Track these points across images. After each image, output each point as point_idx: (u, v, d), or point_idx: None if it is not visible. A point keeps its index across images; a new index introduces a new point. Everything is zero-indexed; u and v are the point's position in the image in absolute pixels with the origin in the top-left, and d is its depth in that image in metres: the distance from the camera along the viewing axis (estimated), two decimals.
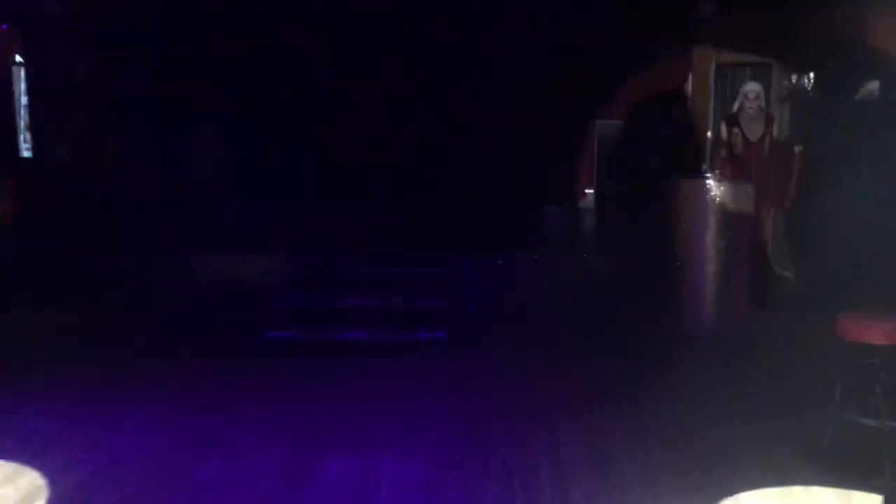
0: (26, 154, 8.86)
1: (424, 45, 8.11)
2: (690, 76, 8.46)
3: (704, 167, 8.02)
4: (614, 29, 7.84)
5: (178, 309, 6.79)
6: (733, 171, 7.41)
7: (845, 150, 6.92)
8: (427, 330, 6.18)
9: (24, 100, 9.04)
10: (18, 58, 8.66)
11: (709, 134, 8.51)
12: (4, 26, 8.34)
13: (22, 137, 9.06)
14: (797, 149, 7.62)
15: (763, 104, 7.65)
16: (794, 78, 8.38)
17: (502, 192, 7.64)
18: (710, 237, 6.49)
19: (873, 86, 7.52)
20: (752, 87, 7.69)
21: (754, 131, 7.56)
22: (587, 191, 8.02)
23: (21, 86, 8.94)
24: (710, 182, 6.58)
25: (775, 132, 7.78)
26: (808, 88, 8.28)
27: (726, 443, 4.57)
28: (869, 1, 7.50)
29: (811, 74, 8.14)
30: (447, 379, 5.68)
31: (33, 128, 8.55)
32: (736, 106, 7.64)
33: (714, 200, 6.50)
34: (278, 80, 8.07)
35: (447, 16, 7.97)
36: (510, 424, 4.79)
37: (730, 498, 3.87)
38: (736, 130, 7.56)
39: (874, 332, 4.05)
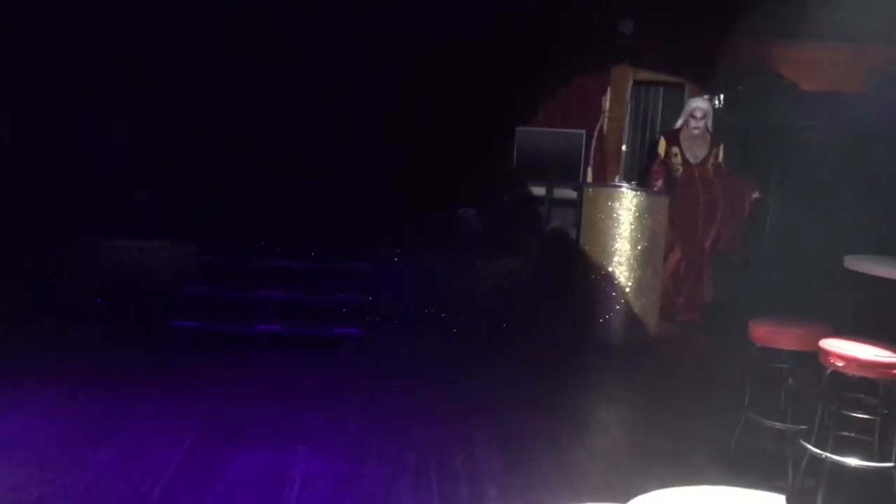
0: None
1: (348, 41, 8.05)
2: (608, 90, 8.64)
3: (618, 177, 8.17)
4: (538, 40, 7.96)
5: (80, 295, 6.45)
6: (664, 187, 7.17)
7: (757, 171, 7.23)
8: (342, 325, 6.07)
9: None
10: None
11: (623, 147, 8.70)
12: None
13: None
14: (754, 195, 7.16)
15: (710, 125, 7.28)
16: (705, 98, 8.65)
17: (421, 192, 7.61)
18: (624, 245, 6.63)
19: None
20: (699, 105, 7.31)
21: (696, 152, 7.25)
22: (504, 195, 8.06)
23: None
24: (625, 191, 6.71)
25: (720, 157, 7.33)
26: (718, 109, 8.57)
27: (639, 443, 4.66)
28: (773, 32, 7.89)
29: (721, 96, 8.44)
30: (362, 375, 5.59)
31: None
32: (680, 122, 7.36)
33: (629, 211, 6.65)
34: (193, 66, 7.85)
35: (372, 14, 7.93)
36: (425, 420, 4.74)
37: (641, 496, 3.92)
38: (675, 149, 7.26)
39: (784, 338, 4.19)
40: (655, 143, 7.74)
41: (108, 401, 4.72)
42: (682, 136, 7.26)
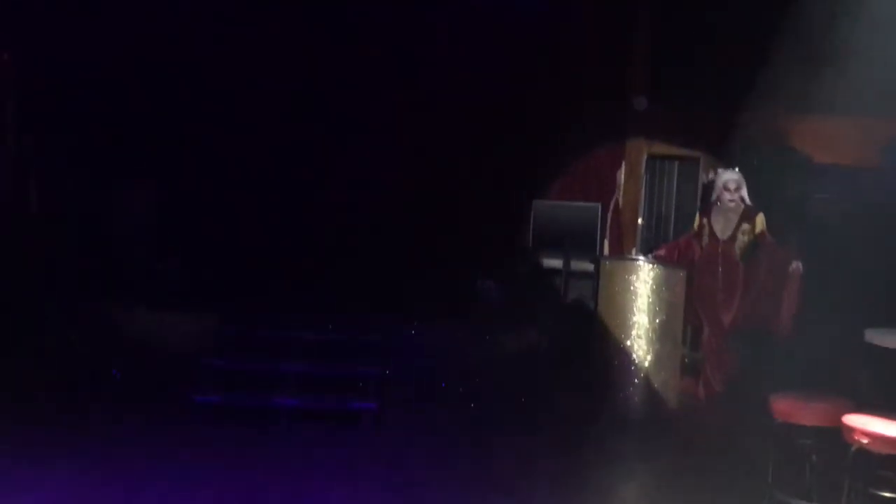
0: None
1: (367, 115, 8.22)
2: (623, 164, 8.75)
3: (634, 250, 8.18)
4: (554, 115, 8.10)
5: (103, 367, 6.49)
6: (667, 256, 7.00)
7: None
8: (359, 399, 6.06)
9: None
10: None
11: (639, 220, 8.75)
12: None
13: None
14: (794, 265, 6.65)
15: (746, 196, 6.93)
16: (719, 170, 8.71)
17: (440, 263, 7.66)
18: (642, 318, 6.63)
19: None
20: (731, 177, 7.00)
21: (724, 226, 6.92)
22: (522, 268, 8.10)
23: None
24: (642, 264, 6.74)
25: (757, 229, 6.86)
26: None
27: None
28: (787, 105, 8.01)
29: (736, 170, 8.51)
30: (379, 450, 5.56)
31: None
32: (714, 196, 7.08)
33: (646, 284, 6.67)
34: (215, 136, 8.01)
35: (393, 88, 8.13)
36: (446, 497, 4.69)
37: None
38: (705, 222, 7.00)
39: (806, 414, 4.16)
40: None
41: (124, 477, 4.72)
42: (713, 210, 7.06)
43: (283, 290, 7.26)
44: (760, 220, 6.80)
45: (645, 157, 8.83)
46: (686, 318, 7.01)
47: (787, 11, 7.54)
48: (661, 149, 8.84)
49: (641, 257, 6.93)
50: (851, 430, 3.80)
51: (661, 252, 7.00)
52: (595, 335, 6.87)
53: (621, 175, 8.77)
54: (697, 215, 7.22)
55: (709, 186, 7.92)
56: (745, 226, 6.78)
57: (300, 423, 5.87)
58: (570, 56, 8.21)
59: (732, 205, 6.84)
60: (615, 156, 8.72)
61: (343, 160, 8.12)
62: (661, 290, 6.66)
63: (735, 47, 8.02)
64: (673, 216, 8.99)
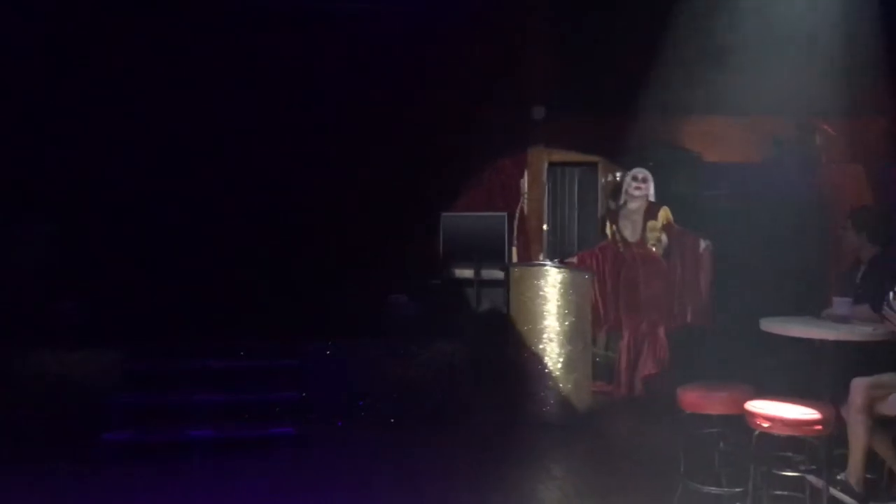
0: None
1: (267, 136, 8.13)
2: (526, 173, 8.92)
3: (542, 255, 8.36)
4: (456, 128, 8.20)
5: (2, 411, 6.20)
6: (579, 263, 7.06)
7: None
8: (276, 424, 5.98)
9: None
10: None
11: (545, 226, 8.95)
12: None
13: None
14: (704, 244, 6.81)
15: (651, 194, 7.05)
16: (617, 175, 8.97)
17: (350, 281, 7.64)
18: (553, 321, 6.77)
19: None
20: (638, 170, 7.17)
21: (631, 230, 7.02)
22: (433, 280, 8.16)
23: None
24: (550, 269, 6.88)
25: (661, 222, 6.99)
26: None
27: None
28: (676, 108, 8.34)
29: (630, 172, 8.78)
30: (302, 473, 5.49)
31: None
32: (622, 198, 7.20)
33: (554, 287, 6.81)
34: (106, 167, 7.80)
35: (292, 102, 8.07)
36: None
37: None
38: (614, 227, 7.14)
39: (711, 403, 4.33)
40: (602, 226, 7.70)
41: None
42: (620, 215, 7.19)
43: (189, 318, 7.08)
44: (664, 213, 6.99)
45: (546, 164, 9.04)
46: (601, 321, 7.22)
47: (673, 15, 7.86)
48: (560, 156, 9.07)
49: (549, 262, 7.08)
50: (754, 415, 3.99)
51: (574, 260, 7.15)
52: (509, 341, 7.00)
53: (525, 183, 8.94)
54: (607, 223, 7.36)
55: (615, 189, 8.17)
56: (651, 222, 6.97)
57: (218, 453, 5.73)
58: (468, 69, 8.32)
59: (638, 193, 6.97)
60: (518, 165, 8.89)
61: (246, 180, 7.99)
62: (569, 293, 6.82)
63: (625, 53, 8.29)
64: (576, 220, 9.24)
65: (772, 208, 7.08)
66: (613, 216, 7.29)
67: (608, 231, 7.46)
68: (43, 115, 7.77)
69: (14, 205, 7.62)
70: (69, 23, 7.85)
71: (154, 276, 7.53)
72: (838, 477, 4.06)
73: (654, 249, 6.97)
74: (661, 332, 6.90)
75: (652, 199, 7.03)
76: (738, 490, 4.21)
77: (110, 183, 7.75)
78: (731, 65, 7.86)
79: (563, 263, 6.97)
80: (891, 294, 3.86)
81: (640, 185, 7.02)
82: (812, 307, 5.62)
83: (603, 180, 9.17)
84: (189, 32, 7.99)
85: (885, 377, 4.05)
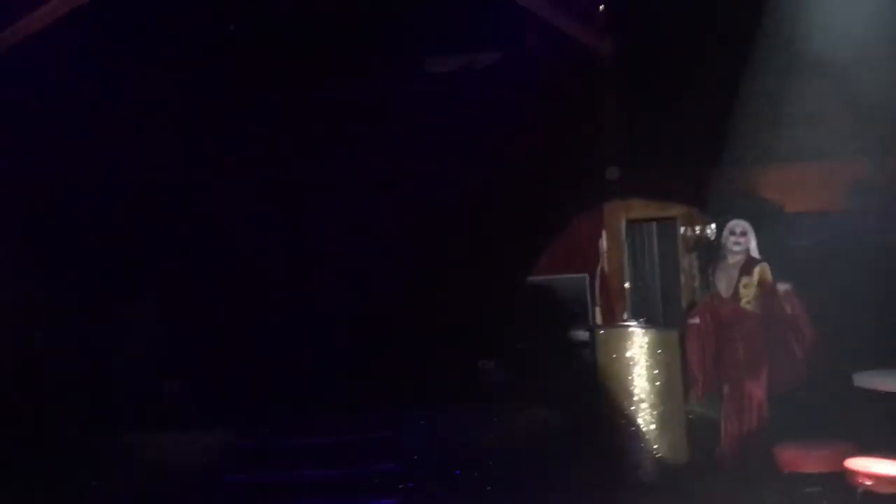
0: None
1: (353, 209, 8.46)
2: (604, 233, 9.01)
3: (626, 314, 8.36)
4: (537, 194, 8.37)
5: (120, 495, 6.54)
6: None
7: None
8: (378, 497, 6.14)
9: None
10: None
11: (626, 285, 8.99)
12: None
13: None
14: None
15: (753, 248, 6.57)
16: (697, 229, 8.97)
17: (439, 350, 7.83)
18: (642, 382, 6.79)
19: None
20: (736, 222, 6.70)
21: (726, 284, 6.57)
22: (519, 345, 8.28)
23: None
24: (636, 330, 6.93)
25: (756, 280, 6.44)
26: (711, 238, 8.86)
27: None
28: (754, 158, 8.34)
29: (713, 226, 8.77)
30: None
31: None
32: (721, 251, 6.76)
33: (642, 348, 6.85)
34: (206, 254, 8.23)
35: (380, 176, 8.37)
36: None
37: None
38: (711, 279, 6.75)
39: (811, 462, 4.32)
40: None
41: None
42: (718, 268, 6.74)
43: (290, 396, 7.37)
44: (760, 269, 6.51)
45: (624, 222, 9.11)
46: (700, 381, 6.78)
47: (742, 66, 7.93)
48: (638, 213, 9.14)
49: (634, 322, 7.12)
50: (856, 473, 3.97)
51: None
52: (600, 405, 7.02)
53: (603, 243, 9.03)
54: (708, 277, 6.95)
55: (711, 242, 8.05)
56: (745, 279, 6.49)
57: None
58: (545, 137, 8.51)
59: (738, 248, 6.53)
60: (595, 225, 8.99)
61: (334, 256, 8.31)
62: (657, 352, 6.83)
63: (698, 107, 8.40)
64: (658, 277, 9.24)
65: (856, 257, 6.98)
66: (713, 268, 6.85)
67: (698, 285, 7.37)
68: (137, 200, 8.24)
69: (120, 289, 8.09)
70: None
71: (253, 356, 7.86)
72: None
73: (748, 307, 6.49)
74: (760, 392, 6.38)
75: (754, 253, 6.59)
76: None
77: (213, 266, 8.16)
78: (810, 112, 7.87)
79: (647, 323, 6.97)
80: None
81: (738, 240, 6.56)
82: None
83: (682, 233, 9.16)
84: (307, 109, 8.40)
85: None
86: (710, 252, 7.92)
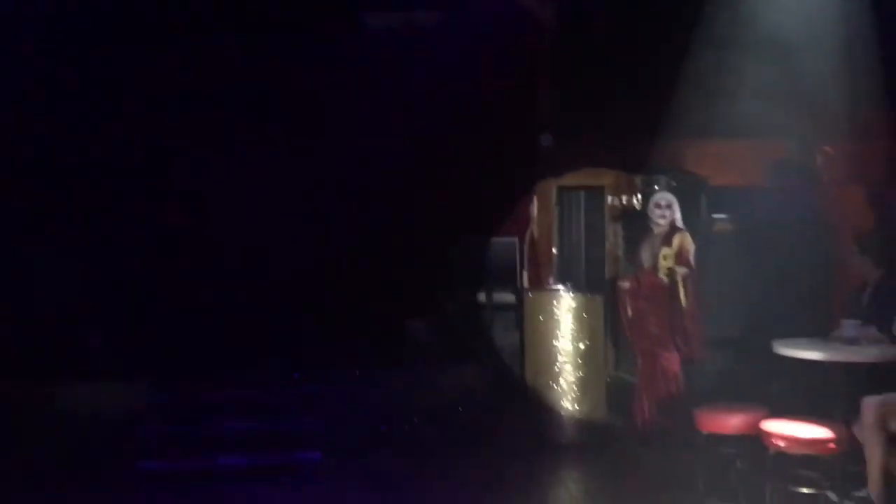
0: None
1: (289, 162, 8.32)
2: (535, 198, 9.13)
3: (552, 279, 8.50)
4: (469, 157, 8.40)
5: (36, 442, 6.37)
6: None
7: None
8: (304, 451, 6.14)
9: None
10: None
11: (554, 250, 9.14)
12: None
13: None
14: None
15: (678, 219, 6.57)
16: (624, 199, 9.16)
17: (367, 309, 7.83)
18: (567, 345, 6.95)
19: None
20: (661, 195, 6.78)
21: (648, 255, 6.62)
22: (446, 305, 8.34)
23: None
24: (564, 294, 7.08)
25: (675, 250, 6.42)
26: (637, 209, 9.05)
27: None
28: (683, 132, 8.54)
29: (639, 196, 8.98)
30: (331, 499, 5.66)
31: None
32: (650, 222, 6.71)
33: (569, 312, 7.01)
34: (137, 204, 8.01)
35: (311, 132, 8.26)
36: None
37: None
38: (637, 249, 6.83)
39: (728, 424, 4.51)
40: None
41: None
42: (644, 239, 6.78)
43: (214, 351, 7.27)
44: (681, 237, 6.50)
45: (555, 189, 9.25)
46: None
47: (676, 41, 8.08)
48: (569, 180, 9.28)
49: (561, 286, 7.26)
50: (770, 435, 4.17)
51: (627, 284, 6.82)
52: (524, 365, 7.18)
53: (534, 208, 9.16)
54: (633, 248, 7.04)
55: (637, 213, 8.14)
56: (665, 250, 6.49)
57: (248, 480, 5.90)
58: (477, 97, 8.52)
59: (662, 222, 6.52)
60: (527, 191, 9.10)
61: (265, 208, 8.17)
62: (583, 316, 7.01)
63: (631, 80, 8.53)
64: (583, 244, 9.43)
65: (776, 231, 7.26)
66: (641, 241, 6.90)
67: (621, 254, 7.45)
68: (66, 148, 7.96)
69: (35, 235, 7.81)
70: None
71: (178, 307, 7.71)
72: (859, 494, 4.26)
73: (664, 279, 6.49)
74: (674, 363, 6.47)
75: (679, 224, 6.58)
76: None
77: (133, 214, 7.94)
78: (737, 89, 8.09)
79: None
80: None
81: (664, 213, 6.56)
82: (817, 329, 5.84)
83: (610, 202, 9.35)
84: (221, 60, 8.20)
85: (895, 396, 4.24)
86: (635, 223, 8.10)
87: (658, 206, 6.63)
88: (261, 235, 8.12)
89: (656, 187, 8.63)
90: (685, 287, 6.45)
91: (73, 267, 7.73)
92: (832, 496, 4.22)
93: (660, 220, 6.57)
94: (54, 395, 6.59)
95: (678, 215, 6.62)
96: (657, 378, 6.52)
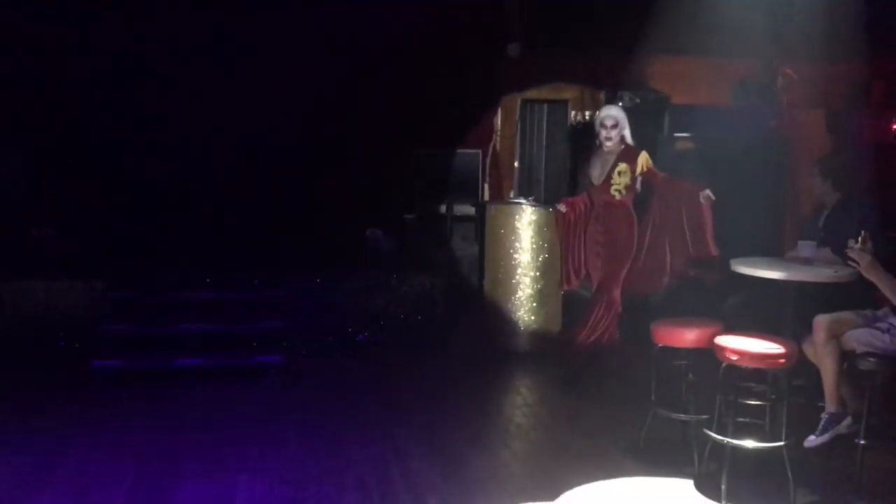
0: None
1: (243, 72, 8.10)
2: (499, 110, 9.07)
3: (513, 192, 8.52)
4: (433, 66, 8.26)
5: None
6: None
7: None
8: (263, 353, 6.18)
9: None
10: None
11: (516, 163, 9.15)
12: None
13: None
14: (705, 192, 5.83)
15: (627, 136, 6.17)
16: (587, 115, 9.16)
17: (329, 216, 7.80)
18: (526, 257, 7.04)
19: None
20: (608, 112, 6.25)
21: (599, 172, 6.18)
22: (407, 215, 8.35)
23: None
24: (525, 207, 7.12)
25: (640, 168, 6.05)
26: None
27: (559, 444, 5.04)
28: (648, 49, 8.50)
29: (619, 105, 8.96)
30: (289, 401, 5.74)
31: None
32: (597, 140, 6.27)
33: (529, 225, 7.06)
34: (87, 95, 7.74)
35: (273, 41, 8.04)
36: (359, 438, 4.96)
37: (566, 493, 4.28)
38: (586, 169, 6.31)
39: (681, 337, 4.65)
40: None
41: (37, 447, 4.69)
42: (593, 156, 6.33)
43: (176, 249, 7.20)
44: (643, 158, 6.12)
45: (519, 102, 9.19)
46: (573, 271, 6.43)
47: None
48: (533, 94, 9.22)
49: (523, 200, 7.29)
50: (722, 349, 4.30)
51: (563, 207, 6.33)
52: (483, 275, 7.27)
53: (498, 121, 9.10)
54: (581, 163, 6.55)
55: (586, 129, 7.97)
56: (622, 165, 6.10)
57: (207, 381, 5.94)
58: (446, 7, 8.33)
59: (610, 144, 6.13)
60: (492, 103, 9.03)
61: (231, 114, 7.96)
62: (543, 230, 7.07)
63: None
64: (544, 158, 9.45)
65: (735, 151, 7.35)
66: (587, 156, 6.47)
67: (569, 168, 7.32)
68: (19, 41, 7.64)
69: None
70: None
71: (137, 206, 7.58)
72: (822, 415, 4.51)
73: (617, 195, 6.15)
74: (617, 284, 6.18)
75: (629, 141, 6.23)
76: (704, 417, 4.56)
77: (90, 108, 7.70)
78: (703, 7, 8.04)
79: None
80: (850, 244, 4.17)
81: (609, 134, 6.12)
82: (772, 248, 5.99)
83: (573, 116, 9.35)
84: None
85: (844, 314, 4.40)
86: (586, 139, 7.81)
87: (603, 125, 6.16)
88: (226, 140, 7.95)
89: (620, 104, 8.67)
90: (704, 197, 5.87)
91: (29, 163, 7.52)
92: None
93: (606, 142, 6.15)
94: (8, 293, 6.48)
95: (627, 133, 6.21)
96: (606, 296, 6.19)
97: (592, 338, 6.21)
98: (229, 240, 7.45)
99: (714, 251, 5.82)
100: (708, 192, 5.85)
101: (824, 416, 4.51)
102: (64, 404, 5.51)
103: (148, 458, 4.59)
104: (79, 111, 7.69)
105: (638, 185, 6.25)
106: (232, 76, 8.04)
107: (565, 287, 6.51)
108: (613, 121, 6.15)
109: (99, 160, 7.67)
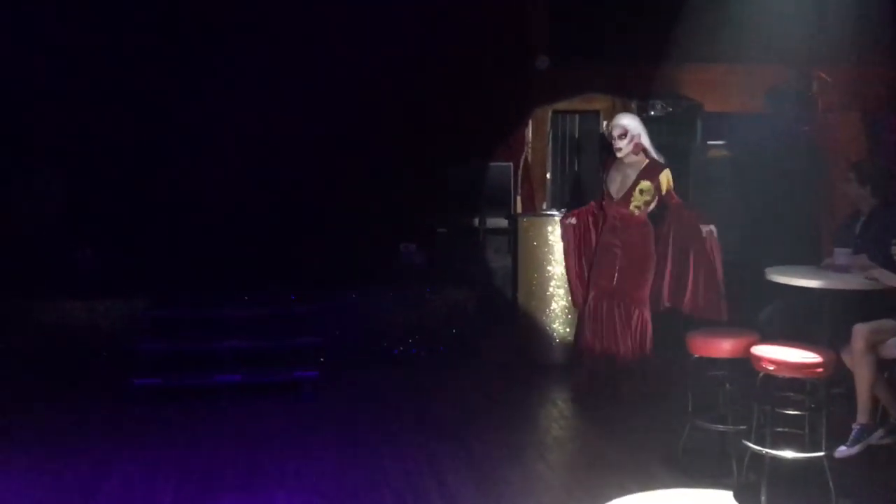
0: None
1: (277, 95, 8.21)
2: (530, 122, 9.09)
3: (545, 204, 8.54)
4: (464, 80, 8.31)
5: (34, 361, 6.45)
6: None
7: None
8: (300, 369, 6.24)
9: None
10: None
11: (548, 175, 9.15)
12: None
13: None
14: (707, 228, 5.63)
15: (648, 147, 5.86)
16: (604, 124, 9.11)
17: (363, 232, 7.87)
18: (558, 269, 7.02)
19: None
20: (616, 122, 5.96)
21: (619, 186, 5.90)
22: (440, 229, 8.40)
23: None
24: (556, 219, 7.10)
25: (662, 188, 5.77)
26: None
27: (595, 455, 5.02)
28: (679, 57, 8.47)
29: (631, 115, 8.92)
30: (326, 416, 5.77)
31: None
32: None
33: (559, 238, 7.03)
34: (124, 117, 7.90)
35: (306, 56, 8.14)
36: (395, 453, 4.97)
37: None
38: (604, 178, 6.05)
39: (718, 347, 4.61)
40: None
41: (81, 464, 4.77)
42: (612, 167, 6.02)
43: (213, 267, 7.31)
44: (665, 177, 5.84)
45: (549, 113, 9.21)
46: (580, 289, 6.25)
47: None
48: (563, 105, 9.23)
49: (555, 212, 7.28)
50: (759, 359, 4.26)
51: (573, 221, 6.27)
52: (516, 288, 7.27)
53: (529, 133, 9.12)
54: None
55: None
56: (645, 183, 5.83)
57: (244, 397, 6.01)
58: (472, 20, 8.39)
59: (621, 153, 5.86)
60: (522, 115, 9.05)
61: (263, 131, 8.09)
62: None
63: (629, 3, 8.44)
64: (576, 169, 9.44)
65: (770, 157, 7.28)
66: (608, 164, 6.13)
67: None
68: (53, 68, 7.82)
69: (25, 154, 7.73)
70: None
71: (175, 226, 7.71)
72: (853, 425, 4.40)
73: (636, 212, 5.87)
74: (644, 312, 5.90)
75: (650, 150, 5.91)
76: (742, 428, 4.51)
77: (129, 128, 7.85)
78: (734, 14, 8.01)
79: (562, 224, 6.41)
80: (892, 248, 4.11)
81: (618, 144, 5.87)
82: (807, 256, 5.91)
83: (604, 127, 9.31)
84: None
85: (884, 323, 4.33)
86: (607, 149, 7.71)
87: (611, 137, 5.91)
88: (264, 159, 8.07)
89: (652, 113, 8.65)
90: (705, 242, 5.68)
91: (67, 185, 7.69)
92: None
93: (617, 152, 5.90)
94: (50, 313, 6.64)
95: (645, 140, 5.89)
96: (612, 326, 5.94)
97: (601, 347, 5.99)
98: (265, 257, 7.54)
99: (724, 314, 5.56)
100: (711, 227, 5.66)
101: (855, 426, 4.41)
102: (106, 422, 5.60)
103: (188, 474, 4.66)
104: (118, 132, 7.83)
105: (653, 204, 5.99)
106: (273, 97, 8.15)
107: (576, 304, 6.27)
108: (621, 130, 5.87)
109: (137, 181, 7.82)
